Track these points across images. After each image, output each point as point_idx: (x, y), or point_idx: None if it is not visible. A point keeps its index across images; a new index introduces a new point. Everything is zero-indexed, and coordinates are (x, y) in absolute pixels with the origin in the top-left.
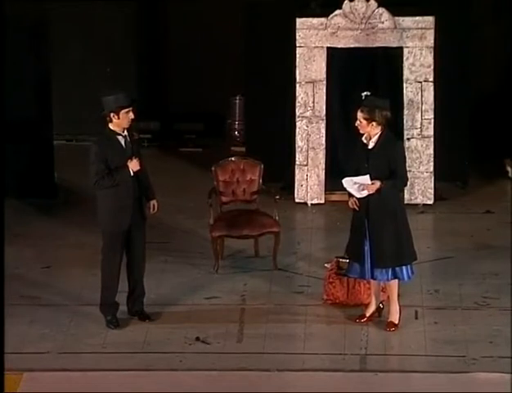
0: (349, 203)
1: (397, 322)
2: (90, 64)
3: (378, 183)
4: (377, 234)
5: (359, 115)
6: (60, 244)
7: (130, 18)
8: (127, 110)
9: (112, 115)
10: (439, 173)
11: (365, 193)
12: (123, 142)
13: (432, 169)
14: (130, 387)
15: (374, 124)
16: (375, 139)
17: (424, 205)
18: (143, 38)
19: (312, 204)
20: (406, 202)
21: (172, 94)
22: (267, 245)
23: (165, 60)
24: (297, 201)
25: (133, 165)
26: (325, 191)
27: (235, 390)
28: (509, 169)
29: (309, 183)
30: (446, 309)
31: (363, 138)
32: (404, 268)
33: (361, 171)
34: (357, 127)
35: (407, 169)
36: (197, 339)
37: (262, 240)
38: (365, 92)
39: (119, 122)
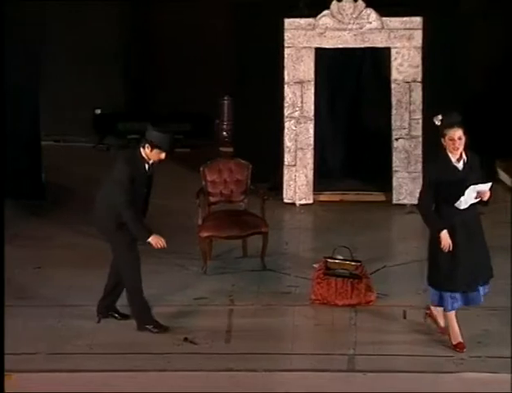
0: (444, 245)
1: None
2: (77, 64)
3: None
4: (478, 250)
5: (459, 132)
6: (49, 245)
7: (118, 18)
8: (162, 152)
9: (147, 145)
10: None
11: (471, 202)
12: (147, 168)
13: (420, 169)
14: (118, 388)
15: (466, 138)
16: (464, 157)
17: (412, 205)
18: (131, 38)
19: (300, 204)
20: (394, 202)
21: (160, 94)
22: (256, 245)
23: (153, 61)
24: (285, 201)
25: (155, 242)
26: (314, 191)
27: (223, 390)
28: (499, 170)
29: (297, 184)
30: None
31: (454, 162)
32: None
33: (457, 191)
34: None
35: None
36: (185, 339)
37: (251, 240)
38: (439, 116)
39: (149, 154)
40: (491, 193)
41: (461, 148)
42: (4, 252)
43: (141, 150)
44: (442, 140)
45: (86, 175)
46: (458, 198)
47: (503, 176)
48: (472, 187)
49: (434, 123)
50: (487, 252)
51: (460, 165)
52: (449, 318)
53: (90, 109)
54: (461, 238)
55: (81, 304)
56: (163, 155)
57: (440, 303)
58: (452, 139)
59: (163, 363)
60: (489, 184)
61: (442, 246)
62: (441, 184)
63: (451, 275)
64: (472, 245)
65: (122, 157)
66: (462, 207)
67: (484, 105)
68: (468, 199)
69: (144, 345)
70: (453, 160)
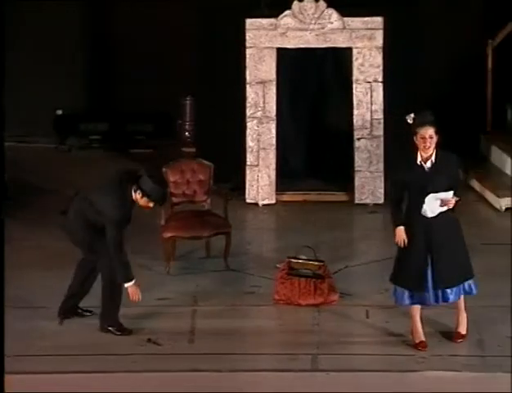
0: (398, 240)
1: (464, 333)
2: (40, 64)
3: (455, 198)
4: (446, 254)
5: (430, 131)
6: (12, 245)
7: (78, 18)
8: (148, 201)
9: (139, 192)
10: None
11: (439, 210)
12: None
13: (382, 168)
14: (81, 389)
15: (438, 137)
16: (433, 157)
17: (375, 204)
18: (92, 38)
19: (263, 204)
20: (356, 202)
21: (122, 95)
22: (219, 245)
23: (114, 61)
24: (248, 201)
25: (132, 292)
26: (276, 191)
27: (187, 390)
28: (470, 178)
29: (260, 184)
30: (397, 308)
31: (419, 161)
32: (471, 280)
33: (421, 191)
34: (422, 146)
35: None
36: (149, 340)
37: (214, 240)
38: (411, 115)
39: (138, 200)
40: (457, 201)
41: (432, 147)
42: (4, 253)
43: (132, 192)
44: (414, 138)
45: (49, 176)
46: (422, 197)
47: (475, 184)
48: (432, 195)
49: (407, 121)
50: (458, 256)
51: (427, 165)
52: (412, 317)
53: (51, 109)
54: (420, 239)
55: (45, 305)
56: (151, 205)
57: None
58: (423, 137)
59: (127, 364)
60: (451, 193)
61: (395, 241)
62: (406, 183)
63: (401, 271)
64: (434, 248)
65: (114, 201)
66: (429, 216)
67: (445, 105)
68: (432, 208)
69: (107, 346)
70: (420, 159)
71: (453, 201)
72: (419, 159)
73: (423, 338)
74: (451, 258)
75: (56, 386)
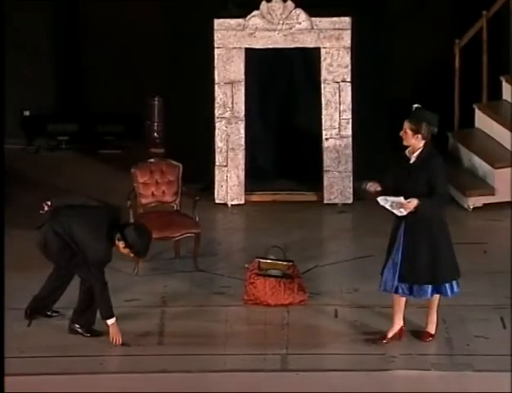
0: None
1: (433, 332)
2: (7, 63)
3: (414, 202)
4: (412, 250)
5: (406, 124)
6: None
7: (48, 17)
8: (129, 251)
9: (122, 242)
10: (359, 173)
11: (404, 211)
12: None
13: (350, 168)
14: (51, 390)
15: (419, 136)
16: (416, 154)
17: (344, 204)
18: (61, 38)
19: (232, 204)
20: (325, 202)
21: (91, 95)
22: (188, 246)
23: (83, 61)
24: (217, 201)
25: (113, 333)
26: (245, 191)
27: (157, 391)
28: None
29: (229, 184)
30: (366, 307)
31: (406, 152)
32: (447, 284)
33: (401, 186)
34: (400, 137)
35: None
36: None
37: (183, 241)
38: (416, 105)
39: (120, 248)
40: (417, 204)
41: (407, 141)
42: (4, 253)
43: (116, 239)
44: None
45: (18, 179)
46: (403, 189)
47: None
48: (381, 197)
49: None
50: (427, 258)
51: (411, 160)
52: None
53: (19, 110)
54: (399, 232)
55: (12, 307)
56: (131, 255)
57: None
58: (401, 129)
59: (96, 366)
60: (401, 198)
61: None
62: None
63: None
64: (408, 242)
65: (102, 247)
66: (397, 214)
67: (413, 104)
68: (387, 207)
69: (76, 348)
70: (407, 151)
71: (409, 206)
72: (406, 151)
73: (389, 334)
74: (420, 256)
75: (23, 387)
